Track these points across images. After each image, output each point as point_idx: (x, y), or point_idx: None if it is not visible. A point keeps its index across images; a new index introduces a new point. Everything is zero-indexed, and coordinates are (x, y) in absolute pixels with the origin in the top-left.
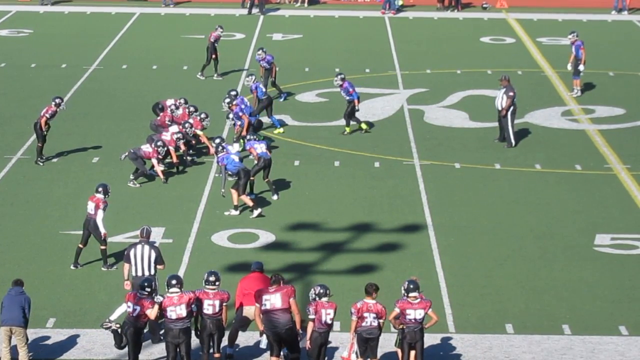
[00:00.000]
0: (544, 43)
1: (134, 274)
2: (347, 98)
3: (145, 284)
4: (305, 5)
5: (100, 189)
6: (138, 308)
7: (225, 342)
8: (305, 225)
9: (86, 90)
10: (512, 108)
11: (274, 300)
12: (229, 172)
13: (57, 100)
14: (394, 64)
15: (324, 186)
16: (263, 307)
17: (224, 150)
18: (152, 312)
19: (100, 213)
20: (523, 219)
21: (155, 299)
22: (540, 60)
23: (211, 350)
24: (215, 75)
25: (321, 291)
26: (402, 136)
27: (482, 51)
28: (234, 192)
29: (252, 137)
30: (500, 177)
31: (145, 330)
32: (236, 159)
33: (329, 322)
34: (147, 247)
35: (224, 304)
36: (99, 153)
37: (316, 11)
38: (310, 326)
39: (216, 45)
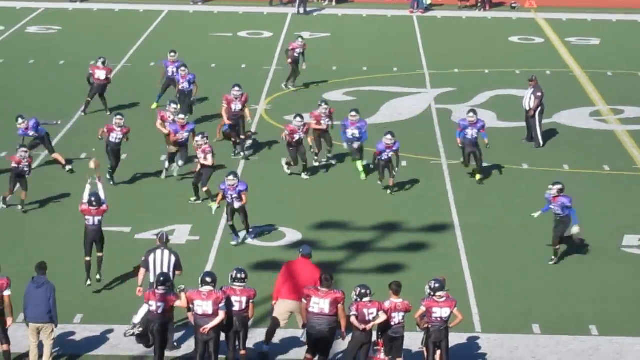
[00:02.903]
0: (572, 43)
1: (152, 280)
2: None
3: (163, 278)
4: (334, 3)
5: (93, 199)
6: (162, 304)
7: (252, 338)
8: (331, 224)
9: (114, 88)
10: (539, 108)
11: (322, 305)
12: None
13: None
14: (421, 63)
15: (351, 185)
16: (310, 309)
17: None
18: (182, 303)
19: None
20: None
21: (177, 289)
22: (569, 60)
23: (238, 347)
24: (284, 83)
25: (362, 291)
26: (430, 135)
27: (510, 51)
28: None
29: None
30: (527, 177)
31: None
32: None
33: (372, 319)
34: (166, 253)
35: (251, 301)
36: (127, 149)
37: (344, 10)
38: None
39: (295, 55)
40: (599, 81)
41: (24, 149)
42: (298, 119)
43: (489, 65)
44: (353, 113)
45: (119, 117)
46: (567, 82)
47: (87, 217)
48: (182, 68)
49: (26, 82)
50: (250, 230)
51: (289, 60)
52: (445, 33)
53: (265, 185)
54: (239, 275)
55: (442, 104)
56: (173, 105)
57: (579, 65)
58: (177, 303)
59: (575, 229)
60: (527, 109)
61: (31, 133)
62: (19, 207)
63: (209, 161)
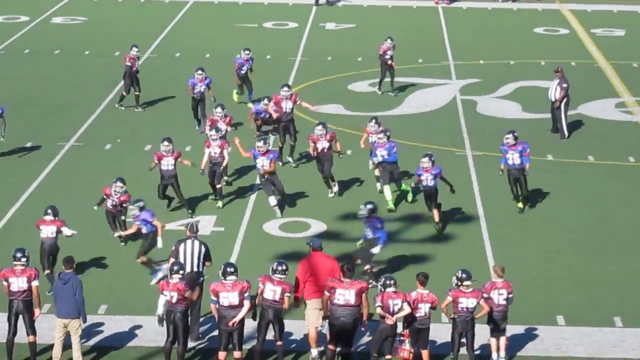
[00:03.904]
0: (597, 34)
1: (187, 269)
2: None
3: (176, 267)
4: None
5: (50, 211)
6: (175, 294)
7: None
8: (356, 215)
9: (139, 78)
10: (565, 99)
11: (348, 296)
12: None
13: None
14: (447, 54)
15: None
16: (336, 301)
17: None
18: (194, 294)
19: (67, 230)
20: (575, 210)
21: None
22: (594, 51)
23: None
24: (382, 91)
25: (387, 282)
26: (455, 127)
27: (535, 42)
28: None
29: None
30: (552, 169)
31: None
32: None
33: (397, 311)
34: (197, 243)
35: (286, 294)
36: (151, 141)
37: (369, 1)
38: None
39: (387, 57)
40: (625, 72)
41: (121, 184)
42: (319, 127)
43: (514, 57)
44: (380, 135)
45: (165, 142)
46: (592, 74)
47: (41, 227)
48: (199, 72)
49: (51, 73)
50: (155, 269)
51: (383, 64)
52: (470, 24)
53: (290, 175)
54: (279, 268)
55: (467, 95)
56: (219, 109)
57: (604, 56)
58: (187, 294)
59: (376, 249)
60: (553, 100)
61: None
62: (122, 244)
63: (225, 157)
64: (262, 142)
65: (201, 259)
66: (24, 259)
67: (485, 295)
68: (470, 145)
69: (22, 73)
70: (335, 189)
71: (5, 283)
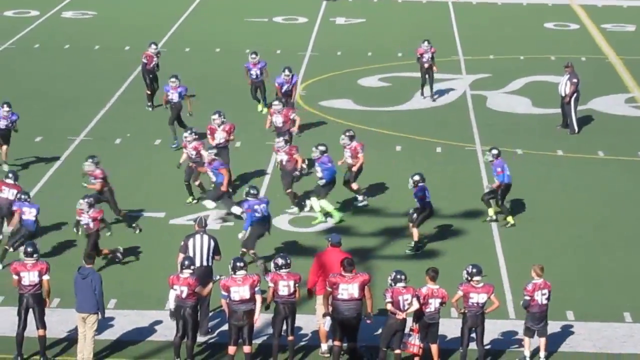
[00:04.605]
0: (608, 29)
1: (197, 264)
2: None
3: (187, 262)
4: None
5: (10, 175)
6: (185, 289)
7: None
8: (365, 209)
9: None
10: (575, 95)
11: (351, 290)
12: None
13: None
14: (457, 49)
15: (385, 171)
16: (339, 296)
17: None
18: (202, 289)
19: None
20: (584, 206)
21: (216, 277)
22: (605, 46)
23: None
24: (425, 96)
25: (397, 276)
26: (464, 122)
27: (545, 37)
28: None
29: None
30: (562, 164)
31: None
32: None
33: (406, 307)
34: (205, 237)
35: (297, 285)
36: (161, 135)
37: None
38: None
39: (424, 61)
40: (635, 68)
41: (86, 201)
42: (279, 138)
43: (524, 52)
44: (313, 149)
45: (89, 161)
46: (602, 69)
47: (3, 187)
48: (172, 79)
49: (61, 67)
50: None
51: (421, 68)
52: (480, 19)
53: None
54: (283, 262)
55: (477, 90)
56: (216, 116)
57: (615, 51)
58: (198, 289)
59: (240, 234)
60: (563, 95)
61: (3, 123)
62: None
63: (205, 157)
64: (208, 150)
65: (211, 253)
66: (35, 254)
67: (527, 297)
68: (480, 140)
69: (32, 68)
70: (294, 209)
71: (16, 277)
